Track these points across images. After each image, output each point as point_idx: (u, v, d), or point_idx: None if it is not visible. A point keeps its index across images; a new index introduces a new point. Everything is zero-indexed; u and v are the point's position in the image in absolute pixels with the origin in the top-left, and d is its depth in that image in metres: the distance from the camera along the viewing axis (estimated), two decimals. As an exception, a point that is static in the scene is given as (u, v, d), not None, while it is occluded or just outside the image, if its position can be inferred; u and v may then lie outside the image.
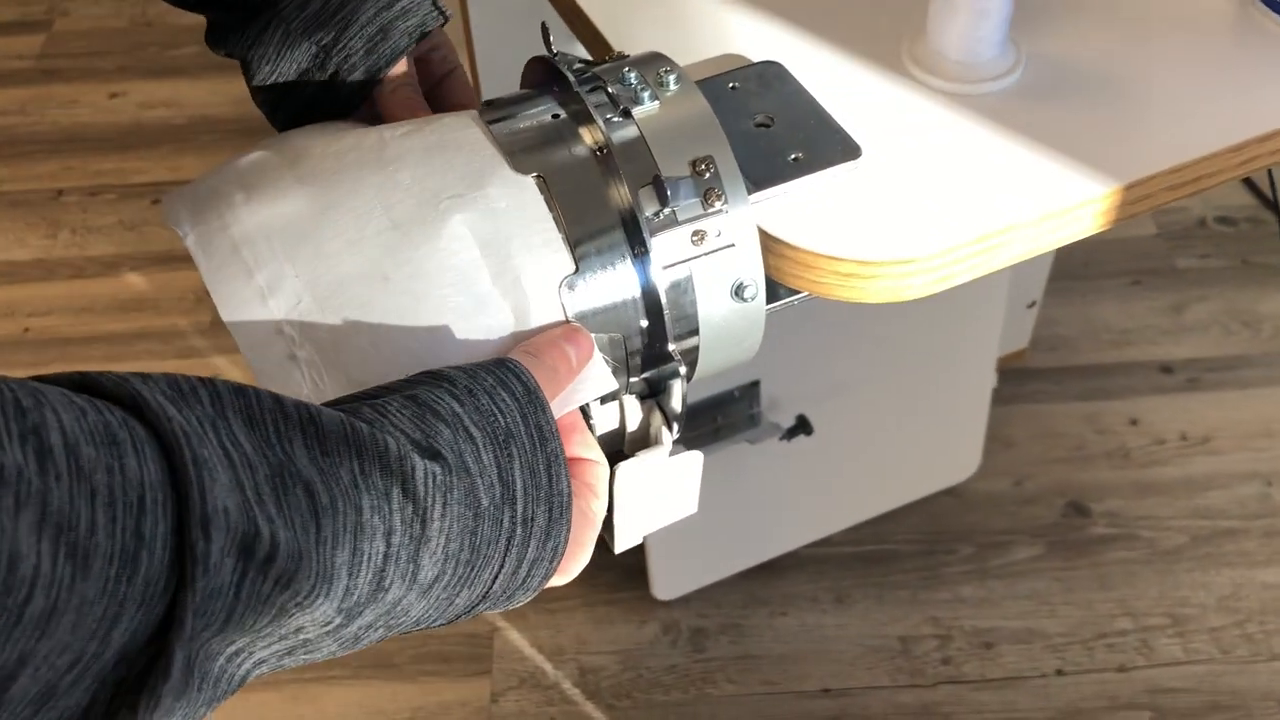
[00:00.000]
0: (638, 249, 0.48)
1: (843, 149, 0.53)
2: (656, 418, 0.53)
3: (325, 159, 0.49)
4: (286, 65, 0.53)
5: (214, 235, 0.47)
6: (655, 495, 0.55)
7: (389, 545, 0.37)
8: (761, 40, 0.62)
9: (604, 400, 0.51)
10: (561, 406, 0.47)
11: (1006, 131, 0.56)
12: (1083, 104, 0.58)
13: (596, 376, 0.48)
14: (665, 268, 0.48)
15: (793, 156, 0.53)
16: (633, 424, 0.54)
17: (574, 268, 0.47)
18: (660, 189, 0.47)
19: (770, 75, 0.57)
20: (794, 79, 0.57)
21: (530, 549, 0.42)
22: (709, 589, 1.41)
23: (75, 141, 2.01)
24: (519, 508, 0.41)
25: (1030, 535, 1.47)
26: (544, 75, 0.54)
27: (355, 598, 0.36)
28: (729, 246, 0.49)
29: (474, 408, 0.41)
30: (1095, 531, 1.47)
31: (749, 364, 0.54)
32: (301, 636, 0.36)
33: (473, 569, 0.40)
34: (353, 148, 0.49)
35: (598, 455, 0.48)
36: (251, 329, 0.45)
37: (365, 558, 0.36)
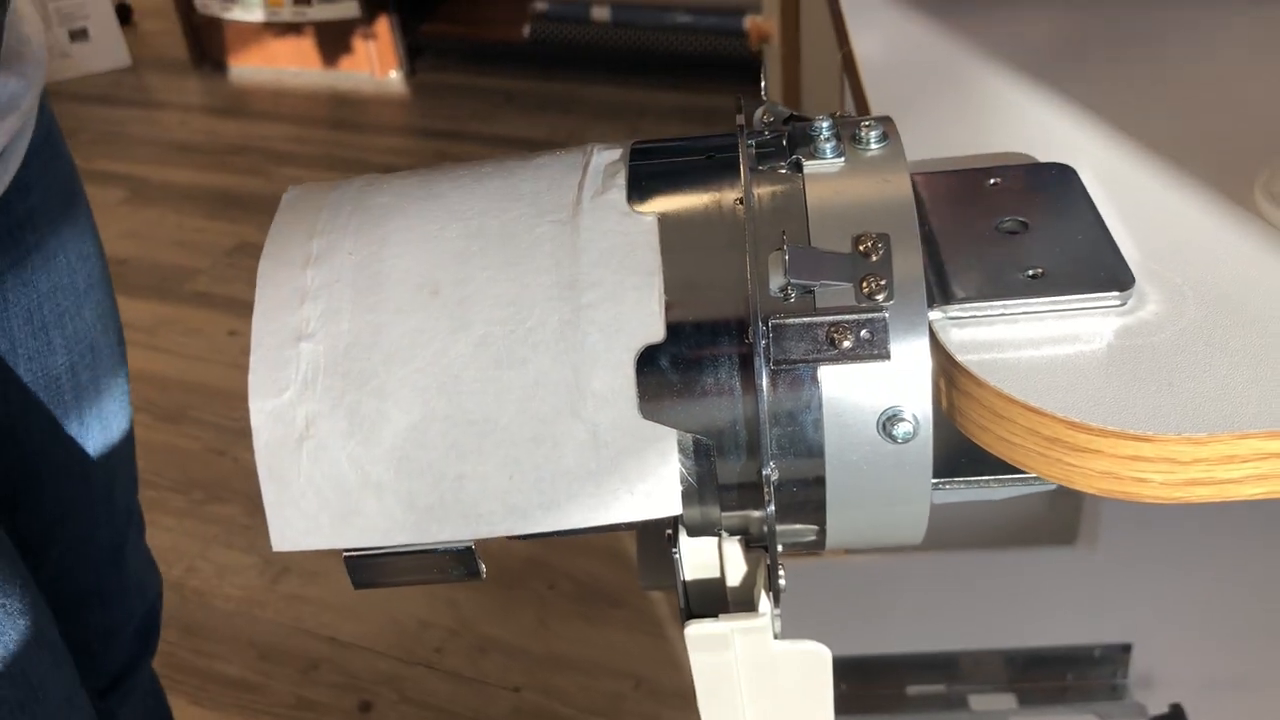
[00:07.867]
0: (748, 333, 0.35)
1: (1107, 275, 0.38)
2: (764, 577, 0.39)
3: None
4: None
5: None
6: (753, 687, 0.40)
7: None
8: (1069, 147, 0.47)
9: (689, 529, 0.38)
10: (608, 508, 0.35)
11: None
12: None
13: (658, 489, 0.36)
14: (779, 364, 0.35)
15: (1031, 272, 0.38)
16: (734, 577, 0.40)
17: (661, 336, 0.36)
18: (791, 256, 0.35)
19: (1050, 179, 0.42)
20: (1082, 189, 0.42)
21: None
22: None
23: None
24: None
25: None
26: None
27: None
28: (880, 357, 0.35)
29: None
30: None
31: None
32: None
33: None
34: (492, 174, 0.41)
35: None
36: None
37: None
